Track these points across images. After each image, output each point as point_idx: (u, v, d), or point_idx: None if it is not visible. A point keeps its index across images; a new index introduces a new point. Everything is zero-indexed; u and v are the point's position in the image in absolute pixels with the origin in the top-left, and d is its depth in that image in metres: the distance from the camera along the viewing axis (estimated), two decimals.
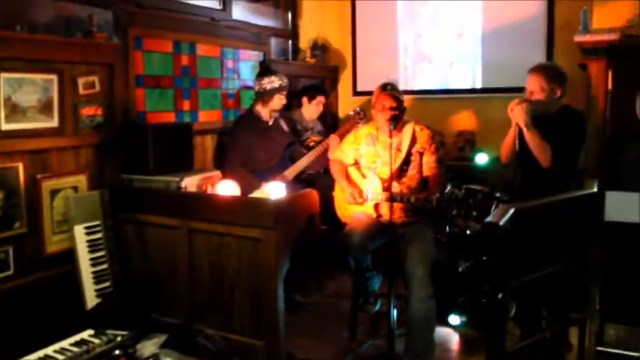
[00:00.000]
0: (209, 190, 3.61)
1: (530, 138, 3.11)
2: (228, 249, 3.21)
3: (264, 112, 4.24)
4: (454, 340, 3.61)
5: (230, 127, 4.38)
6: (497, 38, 5.40)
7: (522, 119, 3.10)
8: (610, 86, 3.73)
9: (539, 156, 3.13)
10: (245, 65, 4.91)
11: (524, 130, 3.11)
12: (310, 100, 4.87)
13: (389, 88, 3.39)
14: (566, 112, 3.25)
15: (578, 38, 4.12)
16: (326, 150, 4.16)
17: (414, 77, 5.90)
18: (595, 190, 2.95)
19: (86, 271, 3.32)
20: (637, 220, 3.56)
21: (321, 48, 6.09)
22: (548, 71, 3.24)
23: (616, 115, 3.71)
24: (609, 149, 3.74)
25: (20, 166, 3.17)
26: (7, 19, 3.20)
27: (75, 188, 3.47)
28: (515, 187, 3.39)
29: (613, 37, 3.92)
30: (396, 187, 3.34)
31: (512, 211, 2.41)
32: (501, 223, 2.30)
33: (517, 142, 3.14)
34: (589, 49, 4.01)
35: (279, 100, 4.23)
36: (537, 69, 3.25)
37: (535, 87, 3.20)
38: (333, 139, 4.17)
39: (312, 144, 4.48)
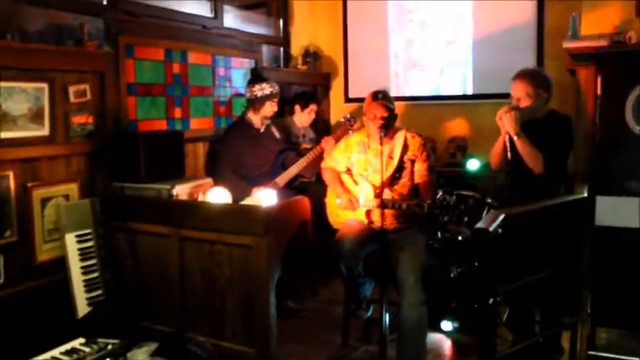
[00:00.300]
0: (200, 198, 3.61)
1: (521, 146, 3.12)
2: (220, 256, 3.22)
3: (255, 119, 4.25)
4: (446, 345, 3.62)
5: (222, 135, 4.38)
6: (488, 44, 5.42)
7: (512, 128, 3.10)
8: (599, 92, 3.75)
9: (531, 163, 3.13)
10: (237, 73, 4.92)
11: (515, 138, 3.11)
12: (303, 108, 4.87)
13: (380, 97, 3.38)
14: (553, 117, 3.26)
15: (567, 44, 4.15)
16: (318, 157, 4.16)
17: (406, 84, 5.92)
18: (585, 194, 2.97)
19: (77, 280, 3.31)
20: (627, 225, 3.57)
21: (312, 55, 6.10)
22: (532, 77, 3.25)
23: (605, 121, 3.72)
24: (599, 154, 3.76)
25: (11, 175, 3.17)
26: None
27: (66, 196, 3.46)
28: (505, 193, 3.41)
29: (602, 43, 3.95)
30: (387, 194, 3.35)
31: (502, 216, 2.43)
32: (491, 228, 2.31)
33: (508, 150, 3.15)
34: (578, 55, 4.04)
35: (270, 107, 4.23)
36: (521, 75, 3.26)
37: (521, 93, 3.22)
38: (328, 141, 4.16)
39: (303, 151, 4.48)
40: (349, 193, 3.54)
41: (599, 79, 3.77)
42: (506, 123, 3.12)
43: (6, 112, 3.13)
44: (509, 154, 3.15)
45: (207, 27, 4.85)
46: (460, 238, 3.81)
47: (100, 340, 2.97)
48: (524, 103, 3.20)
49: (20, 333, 3.06)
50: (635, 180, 3.55)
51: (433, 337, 3.56)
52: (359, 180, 3.53)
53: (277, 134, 4.43)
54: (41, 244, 3.34)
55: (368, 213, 3.47)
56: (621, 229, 3.57)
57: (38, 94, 3.28)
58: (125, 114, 3.82)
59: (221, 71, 4.75)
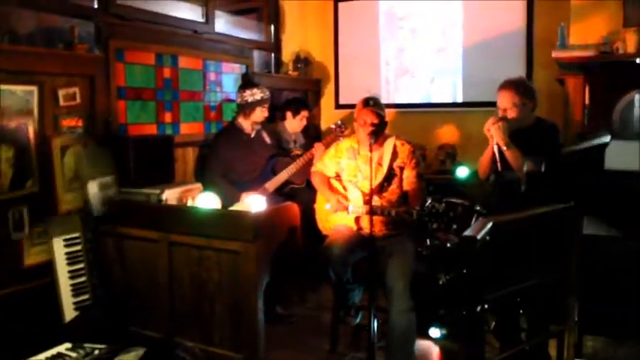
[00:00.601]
0: (190, 203, 3.60)
1: (511, 156, 3.13)
2: (209, 262, 3.21)
3: (246, 124, 4.25)
4: (434, 352, 3.61)
5: (212, 139, 4.38)
6: (478, 53, 5.47)
7: (501, 139, 3.12)
8: (587, 101, 3.79)
9: (521, 174, 3.15)
10: (227, 78, 4.92)
11: (504, 148, 3.13)
12: (295, 114, 4.88)
13: (371, 104, 3.39)
14: (540, 125, 3.28)
15: (556, 54, 4.19)
16: (308, 163, 4.17)
17: (396, 91, 5.95)
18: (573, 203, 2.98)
19: (64, 284, 3.29)
20: (616, 233, 3.60)
21: (303, 61, 6.12)
22: (517, 86, 3.26)
23: (593, 130, 3.76)
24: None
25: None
26: None
27: None
28: (493, 200, 3.41)
29: (590, 53, 3.99)
30: (376, 200, 3.36)
31: (490, 224, 2.43)
32: (479, 236, 2.32)
33: (498, 160, 3.16)
34: (566, 65, 4.07)
35: (260, 113, 4.23)
36: (507, 85, 3.28)
37: (507, 104, 3.23)
38: (318, 147, 4.18)
39: (293, 157, 4.48)
40: (338, 194, 3.55)
41: (587, 89, 3.82)
42: (494, 134, 3.14)
43: None
44: (499, 165, 3.17)
45: (198, 32, 4.85)
46: (449, 245, 3.81)
47: (86, 345, 2.94)
48: (511, 113, 3.22)
49: (6, 337, 3.03)
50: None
51: (421, 343, 3.55)
52: (348, 186, 3.53)
53: (268, 139, 4.43)
54: (29, 247, 3.31)
55: (357, 219, 3.47)
56: (609, 238, 3.59)
57: (27, 97, 3.26)
58: (115, 118, 3.81)
59: (212, 76, 4.75)
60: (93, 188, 3.21)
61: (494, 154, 3.18)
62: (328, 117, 6.24)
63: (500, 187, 3.36)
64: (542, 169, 3.01)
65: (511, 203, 3.03)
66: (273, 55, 6.09)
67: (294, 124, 4.91)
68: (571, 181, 2.68)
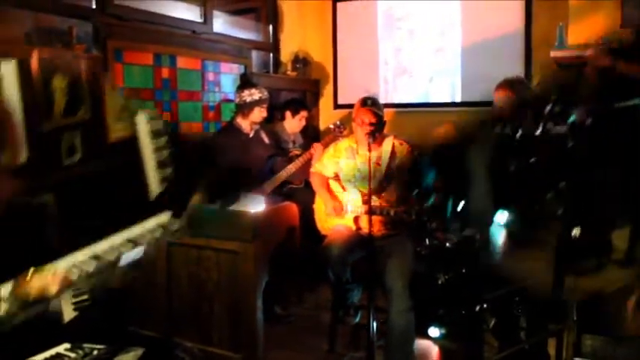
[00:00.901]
0: None
1: None
2: (207, 262, 3.21)
3: (244, 124, 4.25)
4: (434, 351, 3.61)
5: (210, 139, 4.37)
6: (477, 53, 5.46)
7: None
8: None
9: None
10: (226, 78, 4.92)
11: None
12: (294, 114, 4.87)
13: (369, 103, 3.40)
14: None
15: (555, 53, 4.19)
16: (306, 163, 4.17)
17: (395, 90, 5.95)
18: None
19: None
20: None
21: (302, 61, 6.11)
22: (515, 86, 3.26)
23: None
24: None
25: None
26: None
27: None
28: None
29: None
30: (375, 200, 3.36)
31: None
32: (477, 236, 2.33)
33: None
34: (565, 64, 4.07)
35: (259, 113, 4.23)
36: (504, 85, 3.28)
37: (504, 103, 3.23)
38: (317, 147, 4.17)
39: (292, 157, 4.49)
40: (335, 199, 3.55)
41: None
42: None
43: None
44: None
45: (196, 32, 4.85)
46: (448, 245, 3.81)
47: (85, 345, 2.93)
48: (507, 113, 3.22)
49: (4, 338, 3.03)
50: None
51: (421, 343, 3.55)
52: (347, 186, 3.53)
53: (266, 139, 4.43)
54: None
55: (356, 219, 3.47)
56: None
57: None
58: None
59: (210, 76, 4.75)
60: (142, 119, 3.20)
61: None
62: (327, 117, 6.23)
63: (549, 142, 3.27)
64: (589, 122, 2.90)
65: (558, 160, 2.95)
66: (271, 55, 6.08)
67: (293, 125, 4.91)
68: (620, 142, 2.54)
